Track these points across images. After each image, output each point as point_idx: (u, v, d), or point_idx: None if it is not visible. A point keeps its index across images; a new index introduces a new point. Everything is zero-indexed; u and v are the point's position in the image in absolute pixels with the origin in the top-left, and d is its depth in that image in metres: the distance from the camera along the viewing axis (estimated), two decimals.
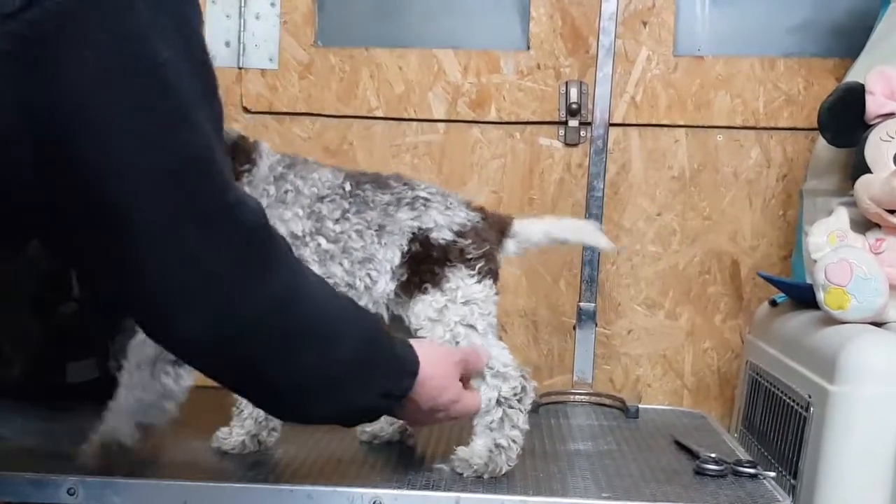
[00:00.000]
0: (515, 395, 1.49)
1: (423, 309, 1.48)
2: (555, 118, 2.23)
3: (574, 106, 2.20)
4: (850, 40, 2.13)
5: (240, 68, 2.27)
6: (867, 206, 1.75)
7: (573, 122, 2.22)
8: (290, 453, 1.57)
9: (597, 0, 2.09)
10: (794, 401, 1.72)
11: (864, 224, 1.78)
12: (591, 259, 2.06)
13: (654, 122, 2.22)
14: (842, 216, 1.77)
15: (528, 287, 2.25)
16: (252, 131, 2.24)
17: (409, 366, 1.32)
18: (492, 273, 1.50)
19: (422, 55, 2.25)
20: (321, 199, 1.49)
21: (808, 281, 1.83)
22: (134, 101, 1.05)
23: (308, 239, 1.48)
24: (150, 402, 1.43)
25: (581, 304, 2.07)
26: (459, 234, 1.48)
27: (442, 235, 1.48)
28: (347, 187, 1.50)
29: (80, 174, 1.04)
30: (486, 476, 1.47)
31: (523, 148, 2.25)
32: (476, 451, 1.49)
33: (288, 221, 1.47)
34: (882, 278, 1.64)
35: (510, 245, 1.56)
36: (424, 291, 1.48)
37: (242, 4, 2.26)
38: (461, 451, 1.50)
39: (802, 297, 1.83)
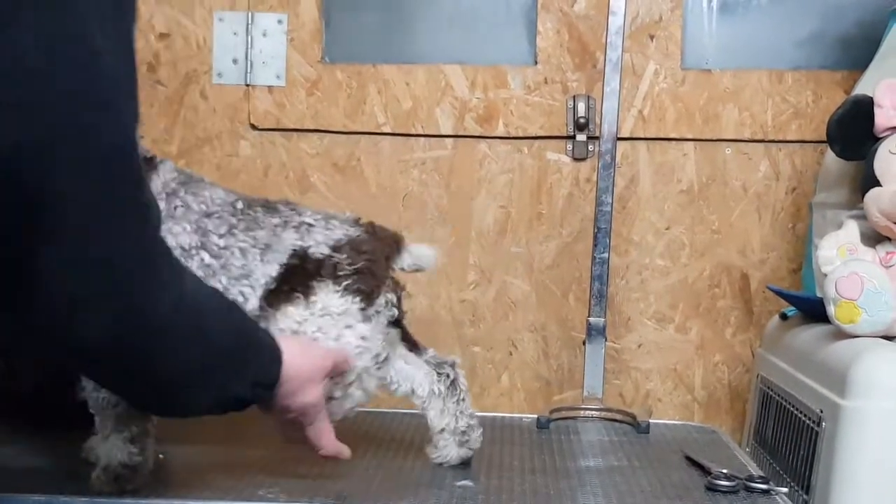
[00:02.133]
0: (447, 384, 1.60)
1: (284, 320, 1.49)
2: (562, 133, 2.23)
3: (582, 120, 2.19)
4: (859, 53, 2.13)
5: (247, 85, 2.27)
6: (877, 220, 1.75)
7: (581, 137, 2.22)
8: (302, 473, 1.57)
9: (604, 14, 2.09)
10: (805, 415, 1.71)
11: (874, 237, 1.78)
12: (600, 274, 2.06)
13: (662, 135, 2.22)
14: (852, 229, 1.77)
15: (538, 302, 2.25)
16: (260, 148, 2.25)
17: (275, 353, 1.32)
18: (361, 292, 1.51)
19: (429, 71, 2.25)
20: (208, 215, 1.51)
21: (819, 294, 1.82)
22: (65, 85, 1.03)
23: (193, 252, 1.49)
24: (126, 412, 1.44)
25: (590, 318, 2.06)
26: (335, 248, 1.51)
27: (319, 251, 1.51)
28: (239, 206, 1.53)
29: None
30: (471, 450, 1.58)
31: (531, 163, 2.25)
32: (451, 455, 1.58)
33: (177, 235, 1.49)
34: (893, 292, 1.64)
35: (406, 258, 1.59)
36: (288, 302, 1.49)
37: (249, 22, 2.26)
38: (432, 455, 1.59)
39: (813, 310, 1.82)
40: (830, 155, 1.94)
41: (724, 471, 1.57)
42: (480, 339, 2.27)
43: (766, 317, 2.20)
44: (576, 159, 2.24)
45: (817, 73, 2.20)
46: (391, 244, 1.57)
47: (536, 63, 2.23)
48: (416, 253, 1.60)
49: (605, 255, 2.05)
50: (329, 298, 1.49)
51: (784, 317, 1.99)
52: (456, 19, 2.29)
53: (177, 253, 1.43)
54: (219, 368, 1.25)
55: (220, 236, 1.50)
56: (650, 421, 1.97)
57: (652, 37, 2.20)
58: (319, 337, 1.49)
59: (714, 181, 2.22)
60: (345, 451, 1.47)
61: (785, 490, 1.54)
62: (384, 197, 2.27)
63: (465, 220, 2.26)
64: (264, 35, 2.26)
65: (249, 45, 2.26)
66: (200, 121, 2.29)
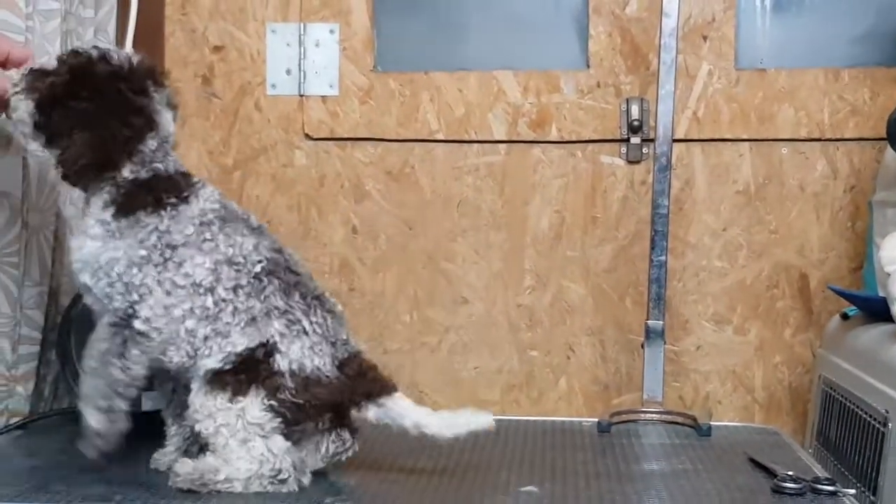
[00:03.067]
0: (275, 478, 1.48)
1: (210, 403, 1.48)
2: (616, 136, 2.23)
3: (635, 123, 2.19)
4: None
5: (301, 96, 2.28)
6: None
7: (635, 140, 2.21)
8: (365, 481, 1.57)
9: (656, 16, 2.09)
10: (870, 416, 1.70)
11: None
12: (657, 276, 2.05)
13: (717, 136, 2.21)
14: None
15: (595, 306, 2.25)
16: (315, 158, 2.27)
17: None
18: (284, 419, 1.48)
19: (481, 77, 2.25)
20: (230, 263, 1.51)
21: (881, 294, 1.80)
22: None
23: (202, 291, 1.50)
24: (103, 389, 1.50)
25: (649, 321, 2.06)
26: (292, 374, 1.48)
27: (281, 364, 1.48)
28: (256, 269, 1.51)
29: None
30: (185, 488, 1.47)
31: (585, 167, 2.25)
32: (193, 463, 1.49)
33: (196, 266, 1.50)
34: None
35: (371, 413, 1.53)
36: (222, 390, 1.48)
37: (302, 32, 2.27)
38: (176, 464, 1.50)
39: (875, 310, 1.81)
40: (890, 152, 1.93)
41: (790, 473, 1.56)
42: (538, 343, 2.27)
43: (825, 317, 2.18)
44: (630, 162, 2.23)
45: (874, 70, 2.18)
46: (360, 393, 1.52)
47: (589, 67, 2.23)
48: (397, 412, 1.53)
49: (663, 257, 2.05)
50: (253, 408, 1.47)
51: (845, 317, 1.97)
52: (507, 25, 2.30)
53: (187, 282, 1.48)
54: None
55: (226, 289, 1.50)
56: (711, 423, 1.96)
57: (705, 37, 2.19)
58: (222, 432, 1.47)
59: (771, 181, 2.21)
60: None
61: (852, 492, 1.53)
62: (439, 203, 2.27)
63: (519, 225, 2.26)
64: (317, 45, 2.28)
65: (302, 56, 2.28)
66: (255, 132, 2.30)
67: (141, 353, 1.51)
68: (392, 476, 1.60)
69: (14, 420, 1.85)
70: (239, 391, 1.47)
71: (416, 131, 2.27)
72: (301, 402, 1.48)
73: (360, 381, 1.52)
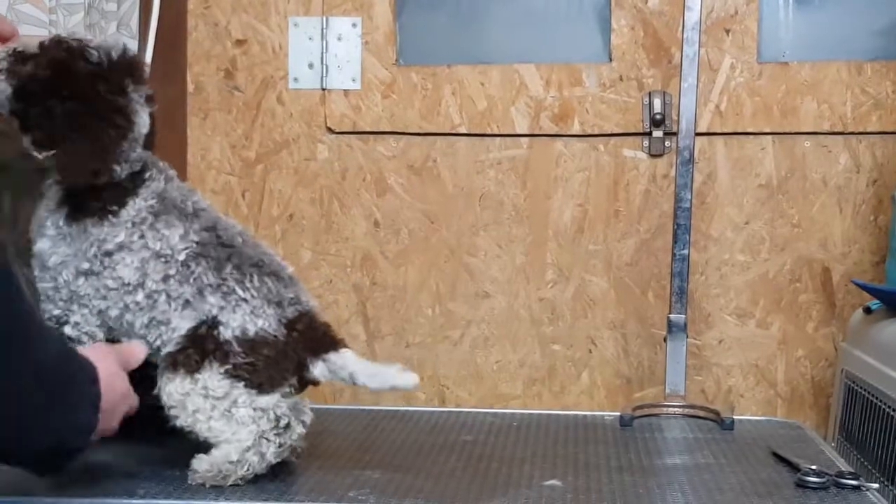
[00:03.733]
0: (276, 428, 1.48)
1: (170, 388, 1.49)
2: (638, 129, 2.23)
3: (658, 116, 2.19)
4: None
5: (323, 89, 2.29)
6: None
7: (657, 133, 2.21)
8: (389, 474, 1.58)
9: (678, 10, 2.08)
10: (893, 409, 1.70)
11: None
12: (680, 270, 2.05)
13: (739, 130, 2.20)
14: None
15: (617, 300, 2.25)
16: (337, 151, 2.27)
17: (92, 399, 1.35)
18: (246, 380, 1.48)
19: (503, 71, 2.25)
20: (157, 257, 1.52)
21: None
22: None
23: (131, 288, 1.51)
24: None
25: (671, 315, 2.05)
26: (238, 339, 1.49)
27: (225, 334, 1.49)
28: (181, 257, 1.52)
29: None
30: (207, 484, 1.46)
31: (608, 160, 2.24)
32: (208, 458, 1.48)
33: (125, 267, 1.51)
34: None
35: (318, 369, 1.51)
36: (180, 372, 1.49)
37: (324, 26, 2.28)
38: (194, 461, 1.49)
39: None
40: None
41: (813, 467, 1.56)
42: (560, 337, 2.27)
43: (848, 311, 2.18)
44: (652, 156, 2.23)
45: None
46: (310, 350, 1.51)
47: (611, 60, 2.23)
48: (339, 365, 1.51)
49: (686, 251, 2.04)
50: (211, 380, 1.47)
51: (868, 310, 1.97)
52: (529, 18, 2.29)
53: (117, 284, 1.50)
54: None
55: (155, 281, 1.51)
56: (734, 417, 1.95)
57: (728, 31, 2.19)
58: (199, 417, 1.48)
59: (793, 175, 2.21)
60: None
61: (876, 486, 1.52)
62: (461, 197, 2.28)
63: (542, 218, 2.26)
64: (339, 39, 2.28)
65: (325, 50, 2.28)
66: (278, 125, 2.31)
67: None
68: (415, 470, 1.61)
69: None
70: (192, 367, 1.48)
71: (439, 125, 2.27)
72: (251, 361, 1.48)
73: (307, 337, 1.52)
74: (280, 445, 1.49)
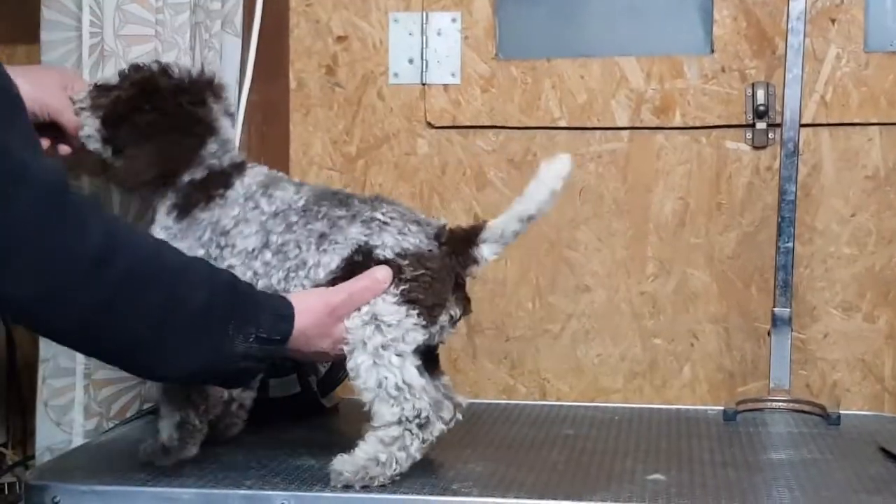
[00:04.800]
0: (417, 418, 1.47)
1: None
2: (741, 121, 2.20)
3: (761, 108, 2.16)
4: None
5: (423, 84, 2.30)
6: None
7: (761, 125, 2.18)
8: (492, 468, 1.59)
9: (782, 0, 2.06)
10: None
11: None
12: (784, 263, 2.03)
13: (845, 121, 2.16)
14: None
15: (719, 293, 2.22)
16: (437, 146, 2.28)
17: (283, 310, 1.41)
18: (419, 302, 1.49)
19: (604, 63, 2.24)
20: (275, 215, 1.56)
21: None
22: None
23: (256, 253, 1.55)
24: (176, 399, 1.58)
25: (775, 309, 2.03)
26: (400, 255, 1.50)
27: (384, 254, 1.50)
28: (300, 203, 1.56)
29: None
30: (357, 486, 1.46)
31: (710, 152, 2.22)
32: (352, 458, 1.48)
33: (246, 237, 1.55)
34: None
35: (484, 251, 1.54)
36: None
37: (424, 22, 2.29)
38: (336, 462, 1.49)
39: None
40: None
41: None
42: (661, 331, 2.25)
43: None
44: (755, 148, 2.20)
45: None
46: (464, 252, 1.54)
47: (713, 51, 2.21)
48: (497, 230, 1.54)
49: (790, 244, 2.02)
50: (384, 305, 1.48)
51: None
52: (630, 10, 2.28)
53: (242, 256, 1.54)
54: (197, 326, 1.33)
55: (279, 234, 1.54)
56: (840, 412, 1.93)
57: (833, 20, 2.15)
58: (354, 342, 1.49)
59: None
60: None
61: None
62: (561, 191, 2.26)
63: (642, 212, 2.25)
64: (439, 34, 2.29)
65: (424, 45, 2.29)
66: (378, 121, 2.33)
67: None
68: (517, 464, 1.61)
69: (147, 405, 1.90)
70: None
71: (539, 119, 2.26)
72: (420, 275, 1.49)
73: (455, 246, 1.54)
74: (423, 441, 1.49)
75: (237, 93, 2.10)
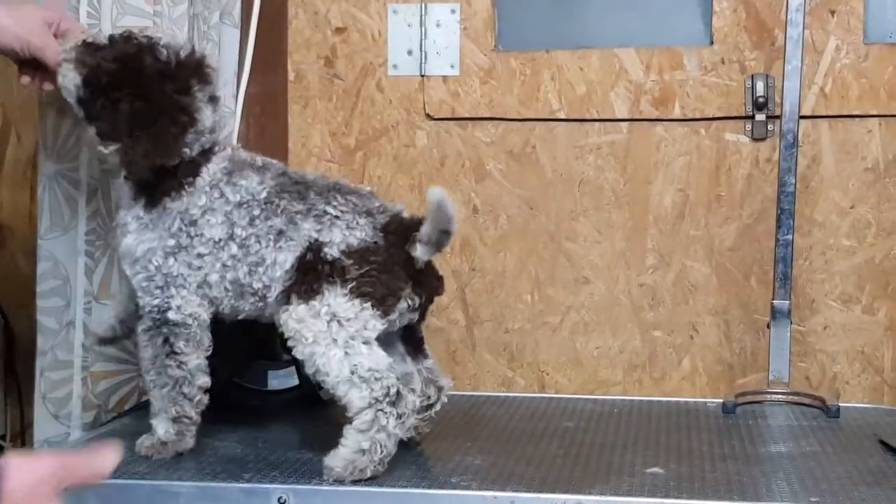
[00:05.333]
0: (387, 396, 1.49)
1: (287, 318, 1.53)
2: (741, 113, 2.19)
3: (761, 100, 2.15)
4: None
5: (422, 76, 2.29)
6: None
7: (760, 117, 2.17)
8: (490, 460, 1.58)
9: None
10: None
11: None
12: (784, 256, 2.02)
13: (845, 112, 2.16)
14: None
15: (719, 285, 2.22)
16: (436, 138, 2.27)
17: None
18: (369, 295, 1.52)
19: (603, 55, 2.23)
20: (239, 205, 1.58)
21: None
22: None
23: (222, 244, 1.57)
24: (170, 395, 1.59)
25: (775, 301, 2.03)
26: (345, 253, 1.53)
27: (331, 252, 1.53)
28: (262, 196, 1.58)
29: None
30: (347, 480, 1.46)
31: (709, 144, 2.22)
32: (339, 454, 1.49)
33: (212, 227, 1.57)
34: None
35: (418, 250, 1.56)
36: (296, 301, 1.53)
37: (423, 13, 2.28)
38: (327, 458, 1.50)
39: None
40: None
41: None
42: (660, 323, 2.25)
43: None
44: (755, 139, 2.20)
45: None
46: (404, 245, 1.56)
47: (712, 43, 2.20)
48: (426, 232, 1.55)
49: (789, 236, 2.02)
50: (337, 303, 1.51)
51: None
52: (628, 1, 2.27)
53: (210, 245, 1.55)
54: None
55: (243, 227, 1.56)
56: (840, 404, 1.93)
57: (832, 12, 2.14)
58: (317, 348, 1.50)
59: None
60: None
61: None
62: (560, 183, 2.27)
63: (642, 203, 2.24)
64: (438, 26, 2.28)
65: (423, 37, 2.28)
66: (377, 112, 2.32)
67: (187, 342, 1.57)
68: (516, 456, 1.61)
69: (144, 398, 1.90)
70: (312, 293, 1.52)
71: (538, 110, 2.26)
72: (366, 271, 1.52)
73: (403, 235, 1.56)
74: (399, 417, 1.50)
75: (236, 85, 2.09)
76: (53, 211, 1.81)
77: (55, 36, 1.61)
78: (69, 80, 1.58)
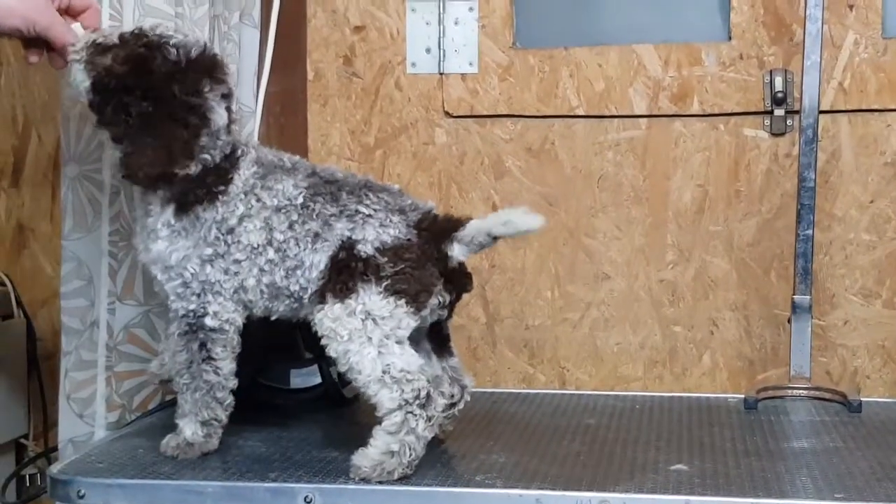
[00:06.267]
0: (417, 399, 1.49)
1: (322, 317, 1.53)
2: (759, 108, 2.19)
3: (779, 95, 2.15)
4: None
5: (441, 74, 2.30)
6: None
7: (779, 112, 2.18)
8: (514, 458, 1.59)
9: None
10: None
11: None
12: (804, 251, 2.02)
13: (864, 107, 2.16)
14: None
15: (739, 280, 2.22)
16: (455, 135, 2.28)
17: None
18: (404, 292, 1.52)
19: (621, 51, 2.24)
20: (277, 210, 1.57)
21: None
22: None
23: (261, 250, 1.57)
24: (203, 400, 1.59)
25: (795, 296, 2.03)
26: (379, 250, 1.53)
27: (365, 250, 1.53)
28: (299, 200, 1.57)
29: None
30: (374, 480, 1.47)
31: (728, 140, 2.22)
32: (368, 454, 1.49)
33: (249, 233, 1.57)
34: None
35: (456, 249, 1.56)
36: (331, 300, 1.53)
37: (441, 11, 2.28)
38: (355, 457, 1.50)
39: None
40: None
41: None
42: (681, 318, 2.25)
43: None
44: (774, 135, 2.20)
45: None
46: (439, 244, 1.56)
47: (731, 38, 2.20)
48: (470, 234, 1.55)
49: (809, 231, 2.02)
50: (372, 301, 1.51)
51: None
52: None
53: (248, 251, 1.56)
54: None
55: (282, 231, 1.56)
56: (862, 399, 1.93)
57: (851, 6, 2.14)
58: (351, 346, 1.51)
59: None
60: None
61: None
62: (579, 179, 2.27)
63: (661, 199, 2.25)
64: (456, 23, 2.29)
65: (442, 34, 2.29)
66: (396, 110, 2.33)
67: (224, 347, 1.57)
68: (539, 454, 1.62)
69: (168, 397, 1.91)
70: (347, 291, 1.52)
71: (556, 107, 2.26)
72: (401, 269, 1.52)
73: (436, 231, 1.57)
74: (428, 419, 1.50)
75: (256, 84, 2.10)
76: (77, 212, 1.82)
77: (60, 11, 1.59)
78: (79, 81, 1.57)
